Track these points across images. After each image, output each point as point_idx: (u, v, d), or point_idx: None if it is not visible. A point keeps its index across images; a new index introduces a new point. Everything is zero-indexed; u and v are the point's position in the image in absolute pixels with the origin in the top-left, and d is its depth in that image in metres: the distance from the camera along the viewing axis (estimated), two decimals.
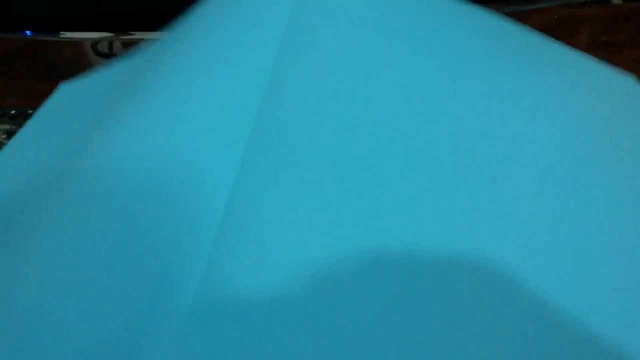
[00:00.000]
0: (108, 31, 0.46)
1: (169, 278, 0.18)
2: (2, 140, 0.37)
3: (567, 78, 0.25)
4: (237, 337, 0.17)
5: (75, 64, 0.57)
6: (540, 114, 0.23)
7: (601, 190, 0.20)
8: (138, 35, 0.46)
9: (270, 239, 0.19)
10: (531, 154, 0.21)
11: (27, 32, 0.48)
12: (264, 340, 0.17)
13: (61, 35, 0.48)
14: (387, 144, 0.20)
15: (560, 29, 0.51)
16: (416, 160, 0.20)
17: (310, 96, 0.22)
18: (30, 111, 0.39)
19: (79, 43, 0.63)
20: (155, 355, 0.16)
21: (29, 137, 0.32)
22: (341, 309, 0.17)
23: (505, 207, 0.19)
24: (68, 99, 0.35)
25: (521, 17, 0.54)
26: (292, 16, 0.24)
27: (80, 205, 0.22)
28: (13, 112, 0.39)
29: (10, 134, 0.36)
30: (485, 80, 0.23)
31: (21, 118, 0.39)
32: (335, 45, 0.23)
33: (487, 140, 0.21)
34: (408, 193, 0.19)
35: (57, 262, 0.20)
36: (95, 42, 0.55)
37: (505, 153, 0.21)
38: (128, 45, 0.61)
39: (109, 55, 0.56)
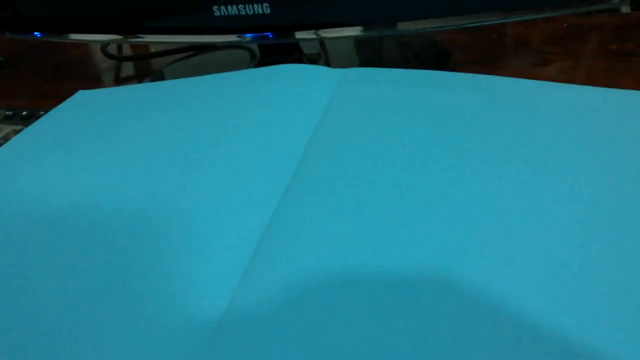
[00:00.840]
0: (117, 34, 0.47)
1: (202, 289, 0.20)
2: None
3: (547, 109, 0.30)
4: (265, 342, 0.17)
5: (83, 65, 0.57)
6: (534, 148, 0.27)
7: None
8: (147, 38, 0.46)
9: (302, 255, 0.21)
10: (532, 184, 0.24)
11: (36, 33, 0.49)
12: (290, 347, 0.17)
13: (70, 37, 0.48)
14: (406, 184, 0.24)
15: (569, 37, 0.51)
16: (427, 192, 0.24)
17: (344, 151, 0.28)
18: (41, 112, 0.40)
19: (87, 45, 0.63)
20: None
21: (40, 135, 0.33)
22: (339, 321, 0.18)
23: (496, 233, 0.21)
24: (84, 105, 0.36)
25: (530, 25, 0.54)
26: (332, 96, 0.33)
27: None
28: (24, 113, 0.40)
29: None
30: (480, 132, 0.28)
31: (32, 119, 0.39)
32: (365, 121, 0.30)
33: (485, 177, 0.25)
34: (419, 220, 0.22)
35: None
36: (104, 44, 0.55)
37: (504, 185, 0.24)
38: (137, 47, 0.61)
39: (118, 57, 0.57)
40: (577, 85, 0.32)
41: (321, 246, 0.21)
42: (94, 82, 0.52)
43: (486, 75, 0.34)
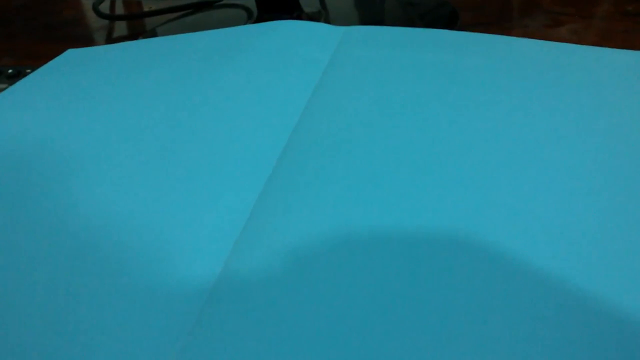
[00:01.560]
0: None
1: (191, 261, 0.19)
2: None
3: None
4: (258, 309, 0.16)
5: (75, 25, 0.55)
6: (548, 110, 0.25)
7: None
8: None
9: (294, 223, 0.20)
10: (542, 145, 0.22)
11: None
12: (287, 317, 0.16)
13: None
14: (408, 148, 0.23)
15: None
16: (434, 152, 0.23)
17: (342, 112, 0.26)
18: (28, 70, 0.38)
19: (79, 4, 0.61)
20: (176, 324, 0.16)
21: (27, 90, 0.31)
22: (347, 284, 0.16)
23: (511, 192, 0.20)
24: (73, 63, 0.35)
25: None
26: (333, 54, 0.31)
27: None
28: (10, 71, 0.38)
29: None
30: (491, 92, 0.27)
31: (19, 77, 0.37)
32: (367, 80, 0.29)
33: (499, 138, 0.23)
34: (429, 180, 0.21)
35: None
36: (97, 3, 0.53)
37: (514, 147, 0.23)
38: (130, 6, 0.59)
39: (110, 16, 0.54)
40: (588, 47, 0.30)
41: (318, 209, 0.20)
42: (85, 42, 0.50)
43: (494, 35, 0.32)
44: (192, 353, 0.15)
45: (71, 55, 0.36)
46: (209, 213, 0.20)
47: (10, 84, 0.37)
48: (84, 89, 0.30)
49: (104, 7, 0.58)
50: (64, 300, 0.17)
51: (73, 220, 0.20)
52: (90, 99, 0.29)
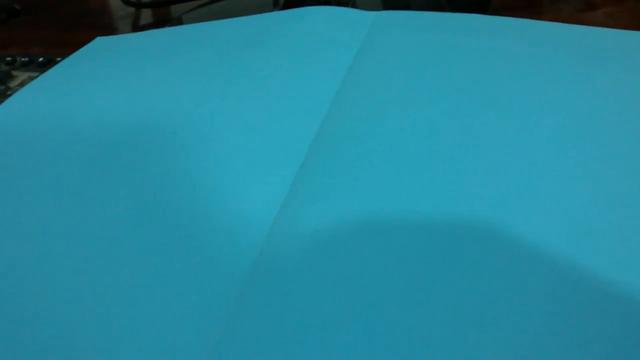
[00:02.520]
0: None
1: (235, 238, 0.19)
2: None
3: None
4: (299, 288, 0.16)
5: (101, 13, 0.55)
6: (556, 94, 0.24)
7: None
8: None
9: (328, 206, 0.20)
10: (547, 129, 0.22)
11: None
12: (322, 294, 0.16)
13: None
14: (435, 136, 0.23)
15: None
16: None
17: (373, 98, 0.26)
18: (58, 59, 0.38)
19: None
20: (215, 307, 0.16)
21: (58, 77, 0.31)
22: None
23: (522, 176, 0.20)
24: (102, 50, 0.35)
25: None
26: (364, 42, 0.31)
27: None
28: (41, 59, 0.38)
29: None
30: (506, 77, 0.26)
31: (49, 66, 0.38)
32: (397, 69, 0.28)
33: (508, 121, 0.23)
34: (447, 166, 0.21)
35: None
36: None
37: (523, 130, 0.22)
38: None
39: (136, 4, 0.54)
40: (621, 30, 0.29)
41: (351, 195, 0.20)
42: (111, 30, 0.50)
43: (528, 20, 0.32)
44: (231, 339, 0.15)
45: (100, 42, 0.36)
46: (242, 200, 0.20)
47: (42, 72, 0.37)
48: (115, 77, 0.30)
49: None
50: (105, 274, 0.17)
51: (111, 209, 0.21)
52: (122, 86, 0.29)
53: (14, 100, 0.29)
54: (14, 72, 0.37)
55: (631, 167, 0.20)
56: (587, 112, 0.23)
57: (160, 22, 0.51)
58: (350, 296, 0.16)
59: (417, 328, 0.15)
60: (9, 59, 0.39)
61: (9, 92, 0.35)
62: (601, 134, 0.21)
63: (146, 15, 0.53)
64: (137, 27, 0.51)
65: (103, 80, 0.30)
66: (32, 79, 0.36)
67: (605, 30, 0.30)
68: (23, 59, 0.38)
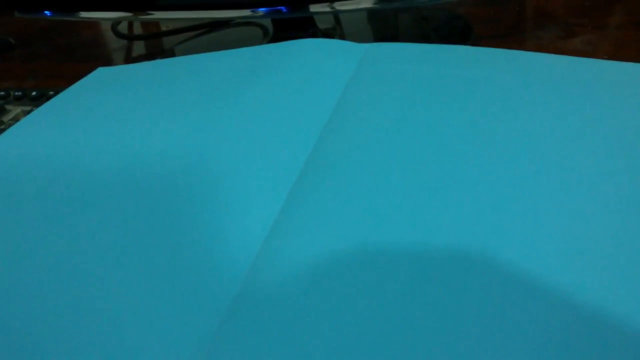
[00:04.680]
0: (127, 11, 0.45)
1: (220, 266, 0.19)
2: None
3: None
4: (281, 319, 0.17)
5: (95, 45, 0.56)
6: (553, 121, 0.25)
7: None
8: (157, 14, 0.45)
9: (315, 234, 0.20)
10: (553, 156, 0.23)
11: (47, 12, 0.48)
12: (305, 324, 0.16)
13: (80, 15, 0.47)
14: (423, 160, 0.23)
15: (595, 7, 0.49)
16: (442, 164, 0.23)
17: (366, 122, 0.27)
18: (51, 92, 0.39)
19: (98, 25, 0.62)
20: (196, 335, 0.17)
21: (61, 107, 0.32)
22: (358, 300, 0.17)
23: (519, 208, 0.20)
24: (104, 81, 0.36)
25: None
26: (356, 70, 0.32)
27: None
28: (34, 93, 0.39)
29: None
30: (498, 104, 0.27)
31: (42, 99, 0.38)
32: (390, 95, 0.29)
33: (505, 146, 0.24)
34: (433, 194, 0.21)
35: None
36: (115, 23, 0.54)
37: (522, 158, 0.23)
38: (147, 26, 0.60)
39: (128, 36, 0.56)
40: (604, 60, 0.30)
41: (338, 227, 0.20)
42: (105, 62, 0.51)
43: (511, 50, 0.33)
44: None
45: (101, 73, 0.37)
46: (227, 232, 0.21)
47: (35, 105, 0.38)
48: (116, 108, 0.31)
49: (122, 28, 0.59)
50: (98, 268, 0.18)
51: (97, 240, 0.21)
52: (123, 118, 0.30)
53: (12, 133, 0.30)
54: (7, 107, 0.38)
55: (616, 194, 0.20)
56: (571, 139, 0.23)
57: (153, 53, 0.52)
58: (331, 334, 0.16)
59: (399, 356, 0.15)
60: (2, 93, 0.39)
61: (2, 127, 0.35)
62: (585, 162, 0.22)
63: (139, 47, 0.54)
64: (130, 59, 0.52)
65: (104, 112, 0.31)
66: (25, 113, 0.37)
67: (584, 60, 0.31)
68: (16, 93, 0.39)
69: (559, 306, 0.16)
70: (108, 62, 0.51)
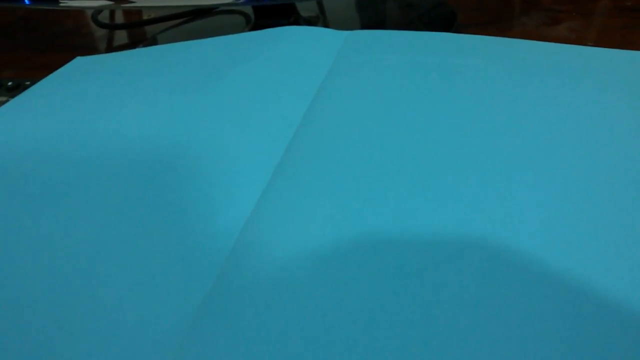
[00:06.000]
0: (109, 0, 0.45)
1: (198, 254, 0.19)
2: None
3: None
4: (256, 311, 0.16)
5: (75, 35, 0.55)
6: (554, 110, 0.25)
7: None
8: (139, 3, 0.44)
9: (296, 225, 0.20)
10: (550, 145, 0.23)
11: (26, 1, 0.47)
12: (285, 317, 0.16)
13: (61, 4, 0.46)
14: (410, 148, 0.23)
15: None
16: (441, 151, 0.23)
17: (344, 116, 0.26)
18: (27, 83, 0.38)
19: (79, 14, 0.61)
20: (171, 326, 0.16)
21: (38, 96, 0.32)
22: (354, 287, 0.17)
23: (523, 194, 0.20)
24: (82, 70, 0.35)
25: None
26: (333, 64, 0.32)
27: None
28: (10, 83, 0.38)
29: None
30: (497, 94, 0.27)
31: (19, 90, 0.38)
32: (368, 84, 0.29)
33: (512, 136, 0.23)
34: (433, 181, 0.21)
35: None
36: (96, 12, 0.53)
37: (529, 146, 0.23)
38: (129, 15, 0.59)
39: (109, 25, 0.55)
40: (588, 47, 0.30)
41: (319, 213, 0.20)
42: (86, 51, 0.50)
43: (494, 37, 0.32)
44: None
45: (80, 62, 0.37)
46: (203, 221, 0.20)
47: (11, 96, 0.37)
48: (95, 96, 0.31)
49: (104, 17, 0.59)
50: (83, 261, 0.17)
51: (76, 230, 0.21)
52: (102, 106, 0.29)
53: None
54: None
55: (603, 180, 0.20)
56: (552, 127, 0.23)
57: (135, 42, 0.51)
58: (306, 325, 0.16)
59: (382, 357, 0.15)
60: None
61: None
62: (565, 148, 0.22)
63: (121, 35, 0.54)
64: (111, 48, 0.51)
65: (83, 101, 0.30)
66: (1, 103, 0.36)
67: (567, 47, 0.30)
68: None
69: (550, 293, 0.16)
70: (90, 51, 0.50)
